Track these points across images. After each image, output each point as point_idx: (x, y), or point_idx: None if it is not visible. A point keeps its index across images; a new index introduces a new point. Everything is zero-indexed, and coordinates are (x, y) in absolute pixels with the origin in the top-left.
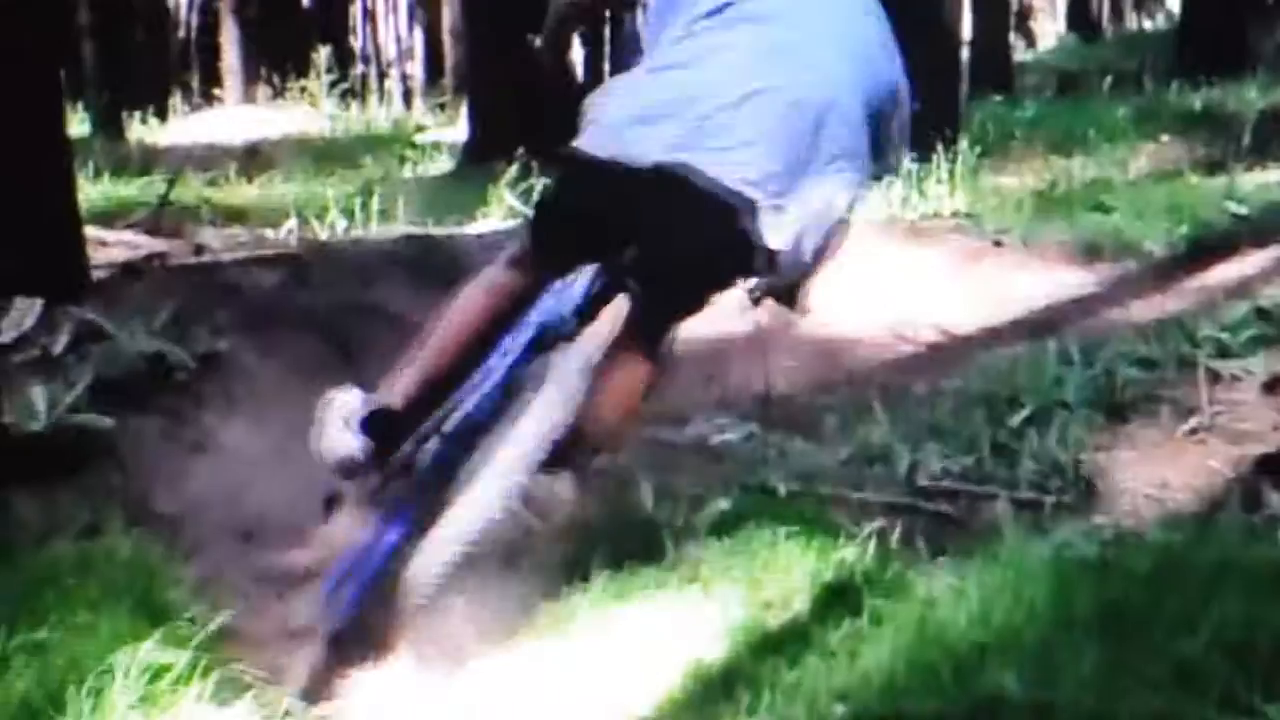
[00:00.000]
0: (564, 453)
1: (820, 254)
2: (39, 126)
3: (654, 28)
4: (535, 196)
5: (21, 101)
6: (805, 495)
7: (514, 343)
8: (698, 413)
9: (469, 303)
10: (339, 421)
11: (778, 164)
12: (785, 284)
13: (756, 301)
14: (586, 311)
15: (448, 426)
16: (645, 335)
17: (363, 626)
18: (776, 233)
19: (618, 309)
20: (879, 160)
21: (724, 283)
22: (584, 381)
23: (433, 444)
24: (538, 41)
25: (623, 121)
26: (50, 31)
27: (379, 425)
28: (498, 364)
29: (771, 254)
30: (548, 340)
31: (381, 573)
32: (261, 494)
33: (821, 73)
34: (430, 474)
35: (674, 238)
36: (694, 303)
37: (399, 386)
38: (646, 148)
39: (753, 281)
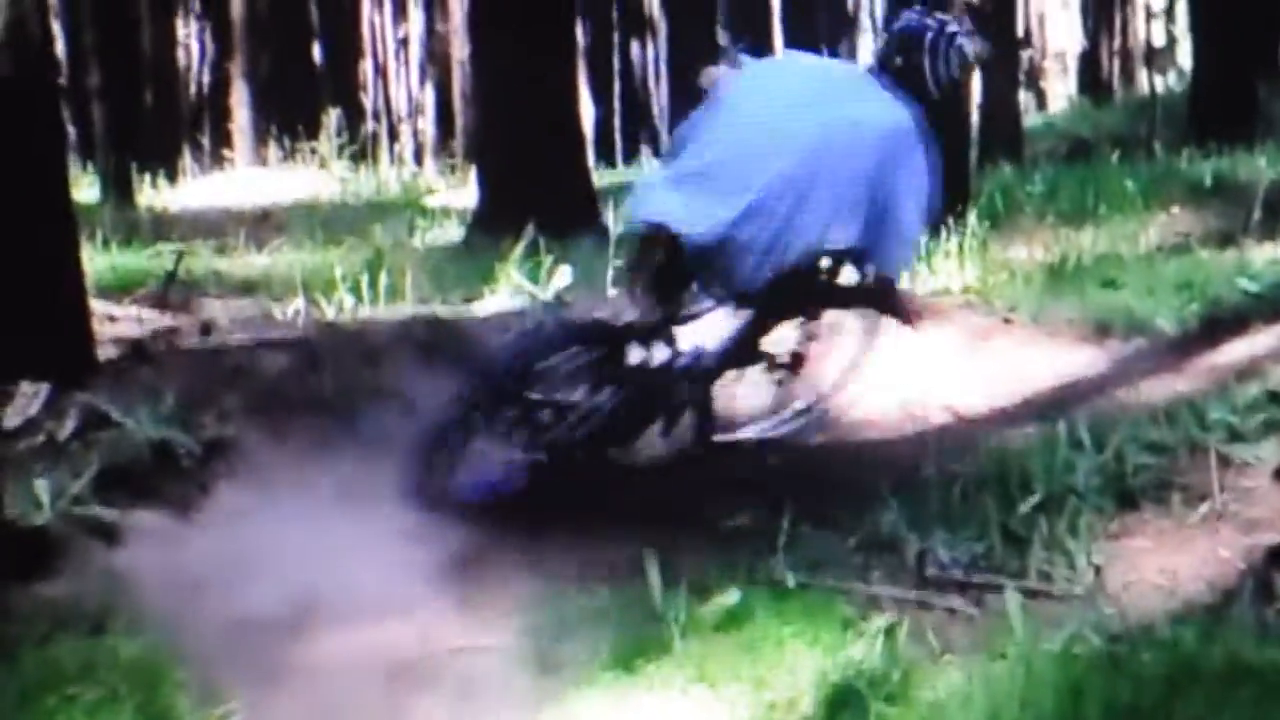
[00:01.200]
0: None
1: None
2: (45, 210)
3: None
4: None
5: (27, 185)
6: (813, 587)
7: None
8: (704, 493)
9: None
10: None
11: None
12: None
13: None
14: None
15: None
16: None
17: None
18: None
19: None
20: None
21: None
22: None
23: None
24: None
25: None
26: (51, 110)
27: None
28: None
29: None
30: None
31: None
32: (270, 583)
33: None
34: None
35: None
36: None
37: None
38: None
39: None
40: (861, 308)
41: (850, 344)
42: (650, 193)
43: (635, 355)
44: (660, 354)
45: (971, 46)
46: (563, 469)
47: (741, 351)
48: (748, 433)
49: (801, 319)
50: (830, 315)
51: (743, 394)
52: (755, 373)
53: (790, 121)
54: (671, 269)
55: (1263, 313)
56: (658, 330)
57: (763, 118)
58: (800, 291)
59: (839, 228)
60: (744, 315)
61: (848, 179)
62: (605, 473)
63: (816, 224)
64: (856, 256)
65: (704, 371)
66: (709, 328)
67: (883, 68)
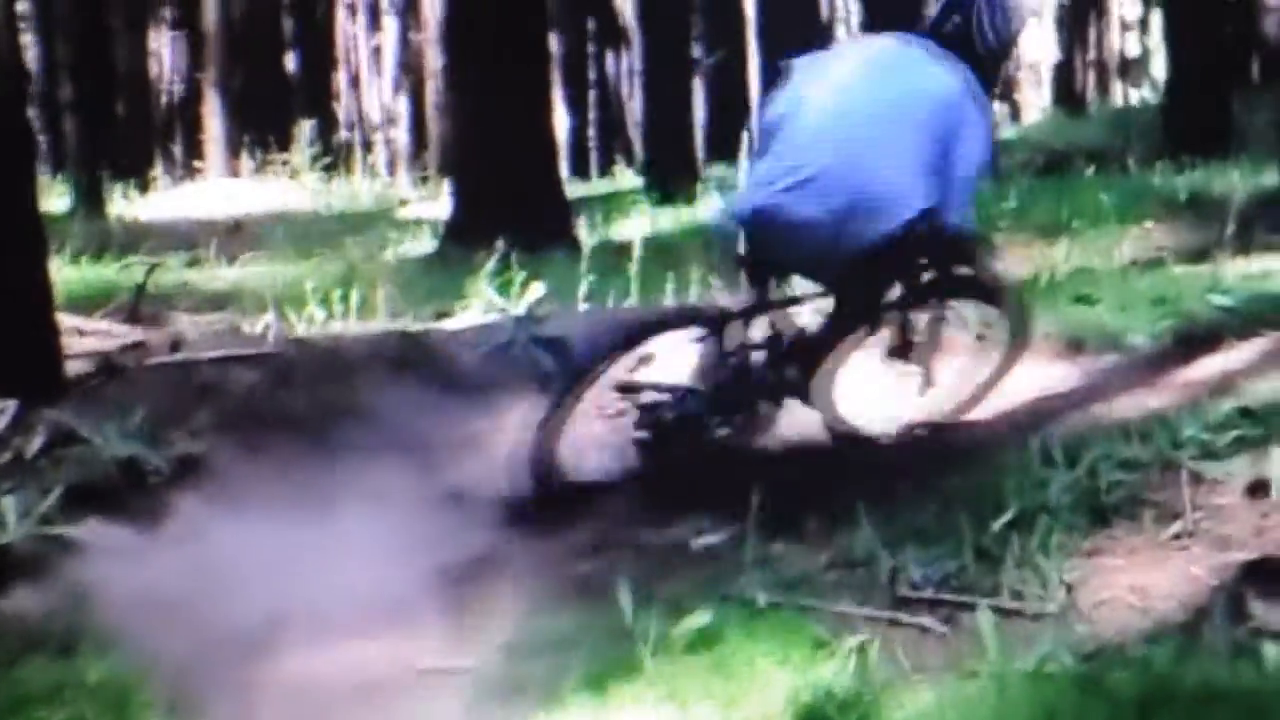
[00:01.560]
0: None
1: None
2: (12, 225)
3: None
4: None
5: None
6: (785, 606)
7: None
8: (678, 513)
9: None
10: None
11: None
12: None
13: None
14: None
15: None
16: None
17: None
18: None
19: None
20: None
21: None
22: None
23: None
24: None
25: None
26: (18, 122)
27: None
28: None
29: None
30: None
31: None
32: (240, 602)
33: None
34: None
35: None
36: None
37: None
38: None
39: None
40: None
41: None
42: (747, 184)
43: (735, 339)
44: (759, 337)
45: (1020, 6)
46: (670, 450)
47: (836, 335)
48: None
49: (908, 305)
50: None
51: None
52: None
53: (853, 98)
54: (764, 255)
55: (1236, 328)
56: (756, 314)
57: (828, 99)
58: (890, 274)
59: (911, 196)
60: (839, 298)
61: (914, 147)
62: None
63: (888, 195)
64: (931, 221)
65: (803, 354)
66: (809, 312)
67: (936, 33)
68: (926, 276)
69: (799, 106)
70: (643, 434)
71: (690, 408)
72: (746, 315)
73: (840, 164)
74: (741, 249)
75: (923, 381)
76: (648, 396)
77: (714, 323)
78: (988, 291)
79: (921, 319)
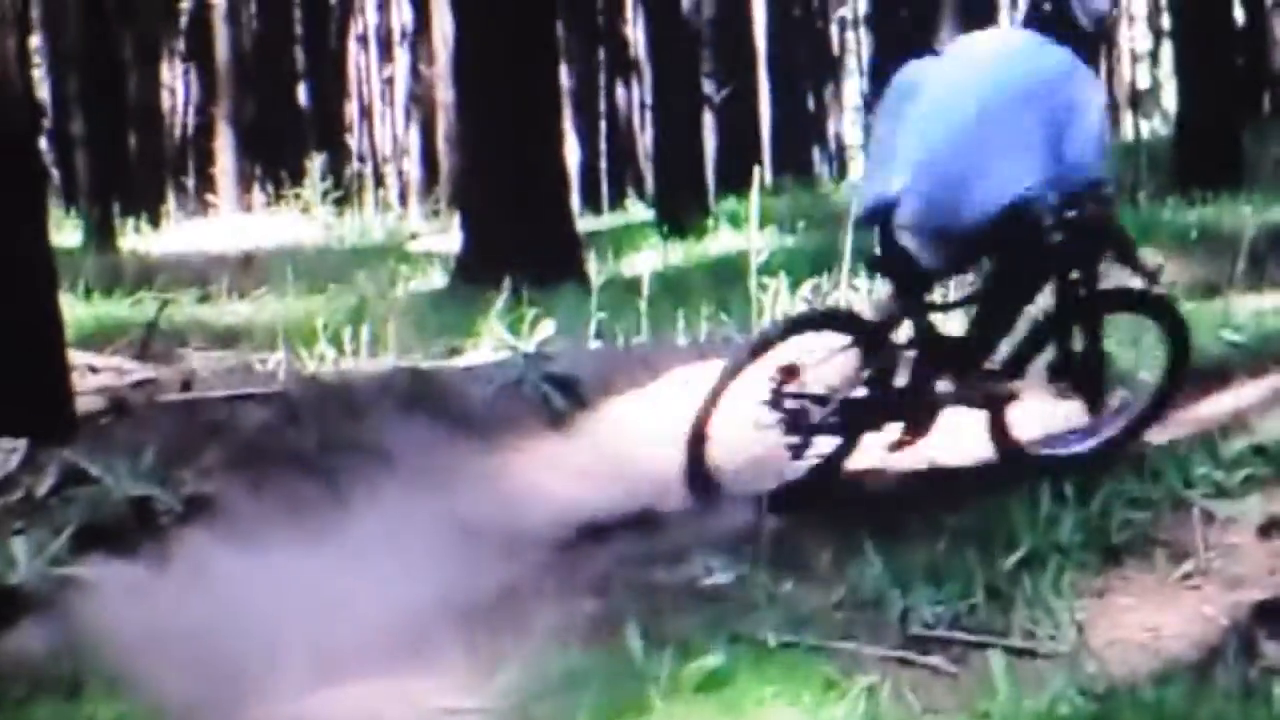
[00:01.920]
0: None
1: None
2: (24, 262)
3: None
4: None
5: (4, 239)
6: (796, 645)
7: None
8: (686, 552)
9: None
10: None
11: None
12: None
13: None
14: None
15: None
16: None
17: None
18: None
19: None
20: None
21: None
22: None
23: None
24: None
25: None
26: (31, 160)
27: None
28: None
29: None
30: None
31: None
32: (251, 642)
33: None
34: None
35: None
36: None
37: None
38: None
39: None
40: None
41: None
42: (868, 184)
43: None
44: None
45: None
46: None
47: (984, 340)
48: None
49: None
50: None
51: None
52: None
53: (964, 91)
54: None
55: (1247, 365)
56: (900, 319)
57: (939, 94)
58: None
59: (1033, 178)
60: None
61: (1034, 127)
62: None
63: (1008, 179)
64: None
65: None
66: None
67: (1034, 19)
68: (1076, 275)
69: (916, 104)
70: (793, 440)
71: (835, 418)
72: (887, 322)
73: (961, 153)
74: (877, 250)
75: (1086, 401)
76: (794, 404)
77: (859, 328)
78: (1149, 303)
79: (1079, 334)
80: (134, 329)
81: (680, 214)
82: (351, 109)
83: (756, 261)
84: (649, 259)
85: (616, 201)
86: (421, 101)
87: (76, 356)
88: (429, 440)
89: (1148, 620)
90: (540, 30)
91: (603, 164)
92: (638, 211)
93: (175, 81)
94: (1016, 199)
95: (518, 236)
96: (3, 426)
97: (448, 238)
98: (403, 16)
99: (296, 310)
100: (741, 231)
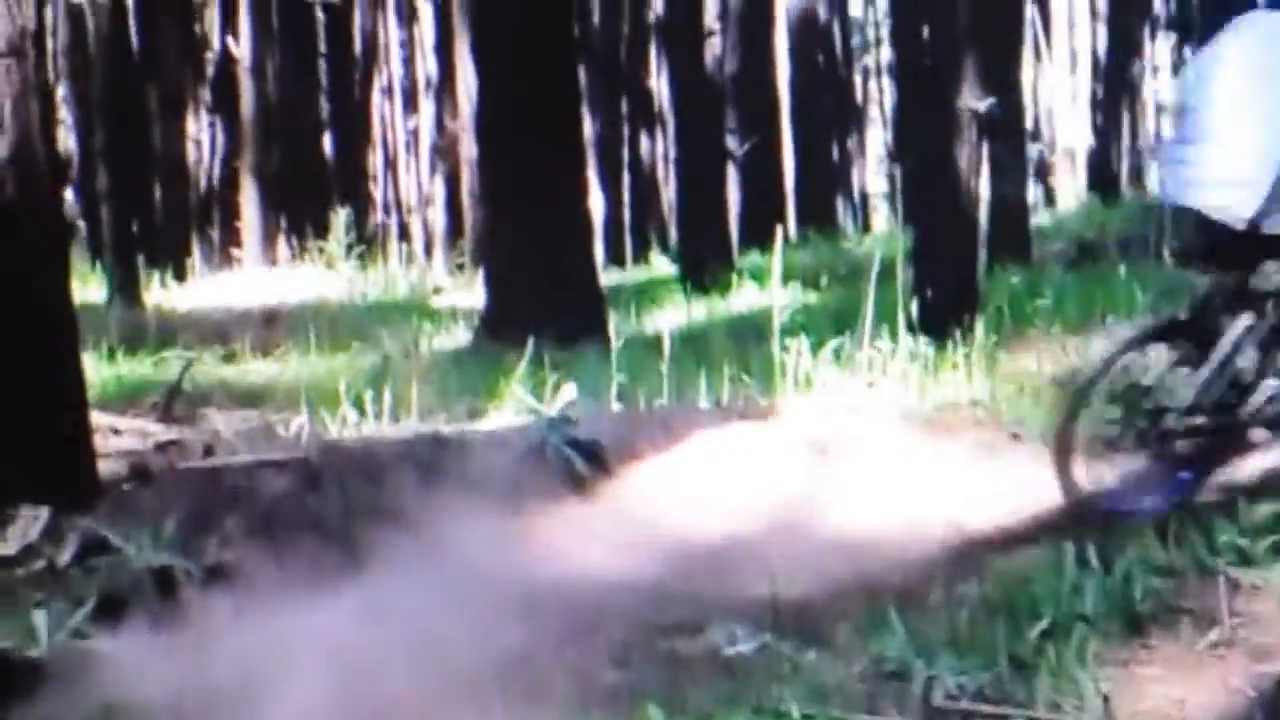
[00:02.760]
0: None
1: None
2: (45, 324)
3: None
4: None
5: (27, 301)
6: (819, 718)
7: None
8: (710, 620)
9: None
10: None
11: None
12: None
13: None
14: None
15: None
16: None
17: None
18: None
19: None
20: None
21: None
22: None
23: None
24: None
25: None
26: (53, 220)
27: None
28: None
29: None
30: None
31: None
32: (272, 712)
33: None
34: None
35: None
36: None
37: None
38: None
39: None
40: None
41: None
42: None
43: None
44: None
45: None
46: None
47: None
48: None
49: None
50: None
51: None
52: None
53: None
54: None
55: (1271, 427)
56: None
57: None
58: None
59: None
60: None
61: None
62: None
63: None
64: None
65: None
66: None
67: None
68: None
69: (1204, 86)
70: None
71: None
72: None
73: (1237, 137)
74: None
75: None
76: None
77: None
78: None
79: None
80: (158, 389)
81: (704, 269)
82: (376, 160)
83: (779, 321)
84: (672, 317)
85: (641, 253)
86: (446, 153)
87: (99, 418)
88: (451, 506)
89: (1173, 692)
90: (563, 83)
91: (626, 216)
92: (661, 265)
93: (200, 133)
94: None
95: (541, 294)
96: (25, 493)
97: (472, 293)
98: (427, 68)
99: (319, 369)
100: (765, 288)
